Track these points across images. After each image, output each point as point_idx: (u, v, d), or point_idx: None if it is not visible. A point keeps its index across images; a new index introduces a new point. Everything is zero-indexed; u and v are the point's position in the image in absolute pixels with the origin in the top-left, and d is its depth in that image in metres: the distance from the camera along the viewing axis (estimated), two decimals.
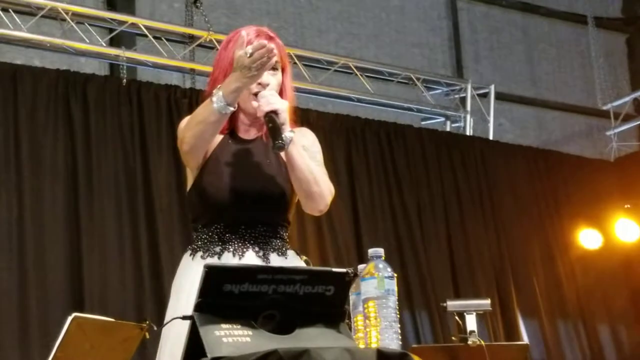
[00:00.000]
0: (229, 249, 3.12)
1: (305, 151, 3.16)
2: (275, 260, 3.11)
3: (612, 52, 10.51)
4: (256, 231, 3.14)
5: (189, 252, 3.20)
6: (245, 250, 3.12)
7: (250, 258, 3.10)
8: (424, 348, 6.21)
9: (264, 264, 3.06)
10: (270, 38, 3.16)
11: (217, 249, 3.12)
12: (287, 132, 3.02)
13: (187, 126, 3.11)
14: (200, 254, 3.15)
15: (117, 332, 4.19)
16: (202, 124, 3.04)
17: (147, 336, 4.11)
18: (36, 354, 6.08)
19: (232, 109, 3.00)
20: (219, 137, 3.21)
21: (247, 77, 2.96)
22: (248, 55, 2.94)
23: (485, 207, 8.73)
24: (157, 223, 6.87)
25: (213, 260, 3.09)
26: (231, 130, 3.24)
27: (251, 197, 3.13)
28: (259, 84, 3.10)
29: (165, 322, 3.06)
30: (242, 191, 3.12)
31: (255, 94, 3.11)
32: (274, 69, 3.15)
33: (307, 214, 3.24)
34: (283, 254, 3.17)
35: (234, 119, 3.22)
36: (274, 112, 3.03)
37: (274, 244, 3.16)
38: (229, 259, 3.09)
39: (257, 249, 3.12)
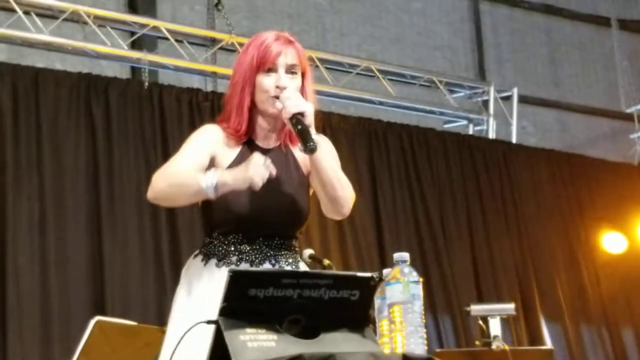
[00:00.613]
0: (246, 259, 3.11)
1: None
2: None
3: (636, 54, 10.44)
4: (273, 243, 3.13)
5: (201, 257, 3.20)
6: (262, 262, 3.11)
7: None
8: (448, 353, 6.18)
9: None
10: (289, 42, 3.14)
11: (234, 258, 3.12)
12: (314, 135, 2.96)
13: (164, 176, 3.06)
14: (214, 261, 3.15)
15: (139, 336, 4.18)
16: (181, 188, 3.02)
17: None
18: (57, 356, 6.09)
19: (213, 196, 2.96)
20: (238, 147, 3.17)
21: (249, 175, 2.91)
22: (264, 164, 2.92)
23: (508, 211, 8.71)
24: (179, 225, 6.86)
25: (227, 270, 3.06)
26: (249, 138, 3.20)
27: (272, 211, 3.11)
28: (277, 87, 3.07)
29: (167, 323, 3.16)
30: (264, 205, 3.09)
31: (276, 97, 3.08)
32: (293, 72, 3.12)
33: (330, 217, 3.22)
34: (296, 267, 3.18)
35: (252, 125, 3.18)
36: (301, 114, 2.98)
37: (287, 256, 3.15)
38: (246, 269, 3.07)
39: (273, 261, 3.12)
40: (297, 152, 3.12)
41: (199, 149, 3.10)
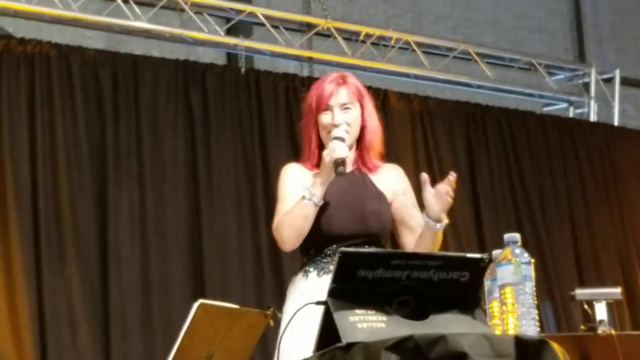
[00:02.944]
0: None
1: (404, 195, 3.61)
2: None
3: None
4: (364, 248, 3.40)
5: (302, 274, 3.52)
6: None
7: None
8: (551, 337, 6.06)
9: None
10: (342, 83, 3.54)
11: (332, 267, 3.32)
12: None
13: (284, 227, 3.47)
14: (314, 273, 3.46)
15: (242, 319, 4.18)
16: (302, 219, 3.42)
17: (272, 323, 4.10)
18: (159, 339, 6.17)
19: (317, 200, 3.40)
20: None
21: (326, 169, 3.40)
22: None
23: (611, 195, 8.56)
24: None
25: (328, 277, 3.24)
26: None
27: (359, 222, 3.47)
28: (333, 124, 3.49)
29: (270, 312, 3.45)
30: (351, 218, 3.47)
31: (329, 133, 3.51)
32: (347, 108, 3.51)
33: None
34: None
35: None
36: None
37: None
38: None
39: None
40: (372, 175, 3.59)
41: (290, 190, 3.52)
